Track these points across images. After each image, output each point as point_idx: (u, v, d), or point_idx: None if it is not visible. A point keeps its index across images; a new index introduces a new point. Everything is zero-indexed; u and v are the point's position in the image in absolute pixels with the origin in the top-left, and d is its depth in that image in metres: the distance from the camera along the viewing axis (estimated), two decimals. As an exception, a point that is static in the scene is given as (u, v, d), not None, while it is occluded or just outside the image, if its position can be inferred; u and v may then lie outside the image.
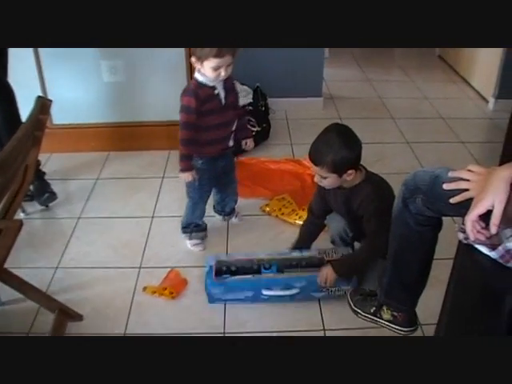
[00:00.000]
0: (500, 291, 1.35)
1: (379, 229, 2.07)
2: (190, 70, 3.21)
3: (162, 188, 3.08)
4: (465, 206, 1.47)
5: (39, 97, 1.81)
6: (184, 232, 2.61)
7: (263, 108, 3.66)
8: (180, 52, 3.18)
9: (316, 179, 2.18)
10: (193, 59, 2.21)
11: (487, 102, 4.27)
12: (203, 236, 2.63)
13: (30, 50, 3.11)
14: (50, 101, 1.83)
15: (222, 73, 2.17)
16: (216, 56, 2.11)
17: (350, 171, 2.10)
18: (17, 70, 2.79)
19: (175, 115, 3.32)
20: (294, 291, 2.22)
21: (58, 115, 3.33)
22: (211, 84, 2.25)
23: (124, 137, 3.44)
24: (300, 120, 3.90)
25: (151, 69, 3.27)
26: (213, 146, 2.38)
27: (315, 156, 2.10)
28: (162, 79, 3.29)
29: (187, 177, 2.37)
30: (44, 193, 2.87)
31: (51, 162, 3.30)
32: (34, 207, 2.88)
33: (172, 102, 3.32)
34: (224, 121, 2.35)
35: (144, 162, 3.34)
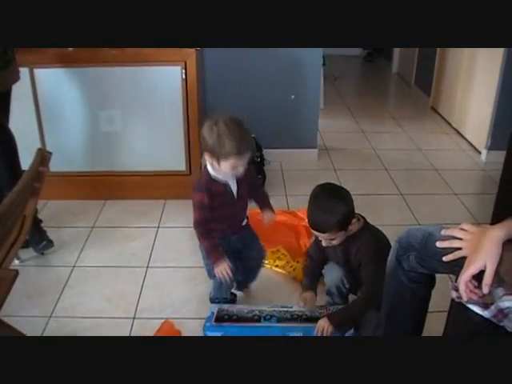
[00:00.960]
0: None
1: (376, 276, 2.07)
2: (187, 121, 3.27)
3: (158, 237, 3.09)
4: (458, 264, 1.49)
5: (39, 149, 1.84)
6: (212, 302, 2.50)
7: (258, 159, 3.70)
8: (177, 102, 3.24)
9: (324, 243, 2.20)
10: (207, 157, 2.11)
11: (480, 153, 4.33)
12: None
13: (31, 99, 3.16)
14: (50, 153, 1.86)
15: (240, 170, 2.10)
16: (237, 155, 2.03)
17: (353, 221, 2.17)
18: (16, 119, 2.83)
19: (171, 165, 3.41)
20: None
21: (56, 163, 3.31)
22: (224, 179, 2.17)
23: (120, 185, 3.46)
24: (295, 171, 3.94)
25: (148, 119, 3.32)
26: (223, 231, 2.30)
27: (320, 226, 2.13)
28: (158, 129, 3.34)
29: (225, 268, 2.19)
30: (41, 241, 2.87)
31: (47, 208, 3.31)
32: (28, 254, 2.87)
33: (168, 152, 3.39)
34: (236, 212, 2.29)
35: (139, 211, 3.36)
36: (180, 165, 3.41)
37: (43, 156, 1.79)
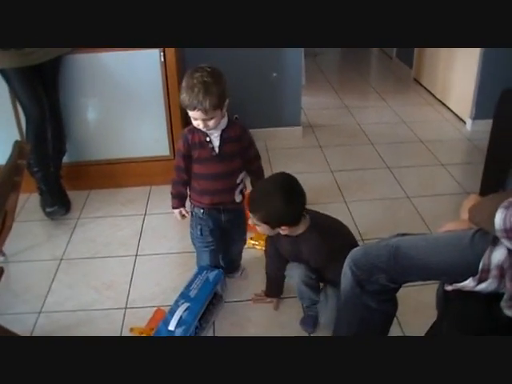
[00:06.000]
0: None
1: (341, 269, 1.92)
2: (169, 104, 3.21)
3: (145, 225, 3.04)
4: (444, 273, 1.52)
5: (17, 141, 1.78)
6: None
7: (243, 139, 3.65)
8: (157, 86, 3.17)
9: (250, 222, 2.14)
10: None
11: (464, 123, 4.31)
12: None
13: (6, 91, 3.06)
14: (28, 145, 1.81)
15: (201, 125, 2.08)
16: (187, 107, 2.04)
17: (283, 227, 2.05)
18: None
19: (154, 151, 3.35)
20: None
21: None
22: (204, 131, 2.14)
23: (103, 174, 3.40)
24: (280, 150, 3.89)
25: (128, 105, 3.25)
26: (209, 197, 2.26)
27: (250, 203, 2.06)
28: (139, 114, 3.28)
29: (178, 213, 2.33)
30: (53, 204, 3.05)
31: (30, 202, 3.24)
32: (13, 250, 2.81)
33: (151, 138, 3.33)
34: (219, 172, 2.21)
35: (125, 200, 3.31)
36: (164, 150, 3.35)
37: (21, 148, 1.73)
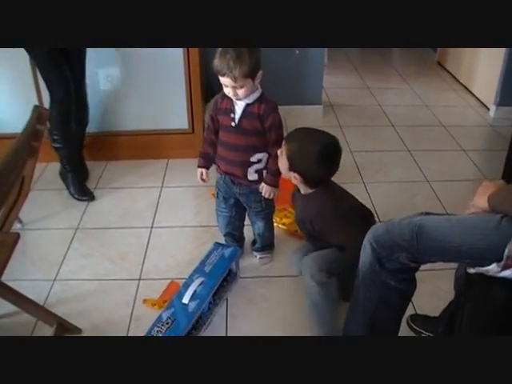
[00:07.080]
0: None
1: (348, 240, 1.99)
2: (189, 77, 3.19)
3: (161, 198, 3.04)
4: (468, 256, 1.49)
5: (36, 106, 1.77)
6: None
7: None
8: (178, 59, 3.15)
9: (278, 152, 2.11)
10: None
11: (488, 109, 4.25)
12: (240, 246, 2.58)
13: (26, 57, 3.05)
14: (47, 110, 1.80)
15: (231, 92, 2.08)
16: (218, 73, 2.04)
17: (297, 175, 2.06)
18: (12, 75, 2.73)
19: (173, 124, 3.34)
20: None
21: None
22: (233, 99, 2.15)
23: (122, 146, 3.40)
24: (300, 128, 3.86)
25: (148, 76, 3.23)
26: (224, 164, 2.29)
27: (291, 133, 2.10)
28: (159, 87, 3.26)
29: (199, 174, 2.37)
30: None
31: (48, 171, 3.25)
32: (30, 217, 2.83)
33: (170, 111, 3.31)
34: (234, 143, 2.21)
35: (142, 172, 3.30)
36: (182, 123, 3.33)
37: (40, 113, 1.72)
